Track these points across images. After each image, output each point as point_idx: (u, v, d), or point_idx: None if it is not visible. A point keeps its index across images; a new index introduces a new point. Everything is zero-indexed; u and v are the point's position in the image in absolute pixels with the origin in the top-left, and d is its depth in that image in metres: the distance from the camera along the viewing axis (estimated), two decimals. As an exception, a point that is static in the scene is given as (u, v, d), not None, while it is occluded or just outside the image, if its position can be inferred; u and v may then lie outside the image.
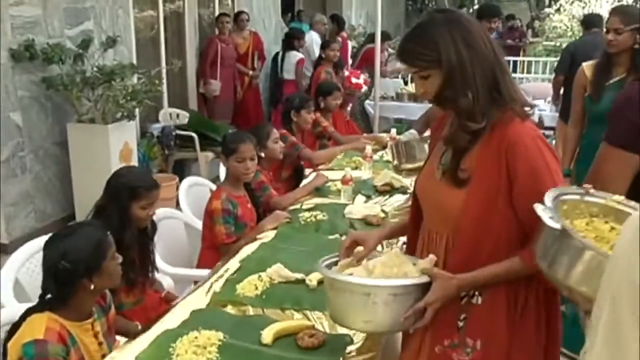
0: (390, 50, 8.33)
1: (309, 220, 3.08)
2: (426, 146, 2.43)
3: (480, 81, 1.54)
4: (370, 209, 3.18)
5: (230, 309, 2.19)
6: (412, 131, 4.04)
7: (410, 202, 1.90)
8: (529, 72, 11.40)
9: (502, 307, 1.60)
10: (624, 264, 0.90)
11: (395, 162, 3.88)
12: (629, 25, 3.16)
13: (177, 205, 3.62)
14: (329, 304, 1.74)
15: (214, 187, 3.63)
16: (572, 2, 13.31)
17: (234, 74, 7.39)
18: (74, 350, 1.86)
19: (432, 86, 1.59)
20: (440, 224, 1.67)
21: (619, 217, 1.39)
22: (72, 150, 4.92)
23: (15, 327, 1.86)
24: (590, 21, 5.77)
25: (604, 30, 3.46)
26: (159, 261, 2.80)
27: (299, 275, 2.38)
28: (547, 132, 5.45)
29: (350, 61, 8.24)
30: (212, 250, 2.98)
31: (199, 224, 3.20)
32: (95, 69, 4.90)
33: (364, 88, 6.43)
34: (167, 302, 2.57)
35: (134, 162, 5.16)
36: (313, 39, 8.32)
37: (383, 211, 3.19)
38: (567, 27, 12.80)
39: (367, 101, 6.98)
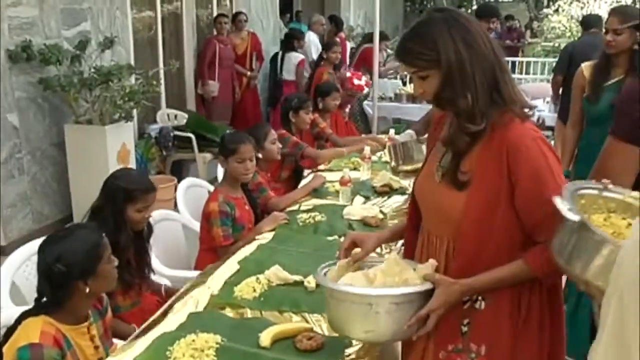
0: (389, 50, 8.32)
1: (307, 221, 3.07)
2: (424, 147, 2.41)
3: (480, 81, 1.52)
4: (368, 210, 3.17)
5: (228, 312, 2.17)
6: (409, 131, 4.03)
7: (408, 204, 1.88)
8: (527, 72, 11.40)
9: (506, 311, 1.58)
10: (629, 265, 0.90)
11: (393, 163, 3.87)
12: (635, 27, 3.15)
13: (175, 207, 3.60)
14: (329, 314, 1.72)
15: (212, 188, 3.61)
16: (571, 3, 13.33)
17: (232, 75, 7.38)
18: (70, 354, 1.84)
19: (431, 86, 1.57)
20: (440, 227, 1.65)
21: (637, 214, 1.37)
22: (70, 152, 4.90)
23: (10, 330, 1.84)
24: (589, 22, 5.77)
25: (603, 30, 3.45)
26: (156, 263, 2.78)
27: (298, 278, 2.37)
28: (546, 133, 5.44)
29: (347, 61, 8.23)
30: (210, 252, 2.97)
31: (196, 226, 3.18)
32: (92, 69, 4.89)
33: (366, 90, 6.44)
34: (167, 297, 2.57)
35: (132, 163, 5.14)
36: (311, 40, 8.32)
37: (382, 212, 3.18)
38: (566, 28, 12.81)
39: (366, 102, 6.98)
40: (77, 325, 1.92)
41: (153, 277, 2.71)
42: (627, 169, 1.70)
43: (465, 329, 1.60)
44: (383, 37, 7.60)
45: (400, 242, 2.14)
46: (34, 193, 4.80)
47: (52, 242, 1.92)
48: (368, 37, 7.90)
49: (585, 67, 3.39)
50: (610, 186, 1.46)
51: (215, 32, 7.23)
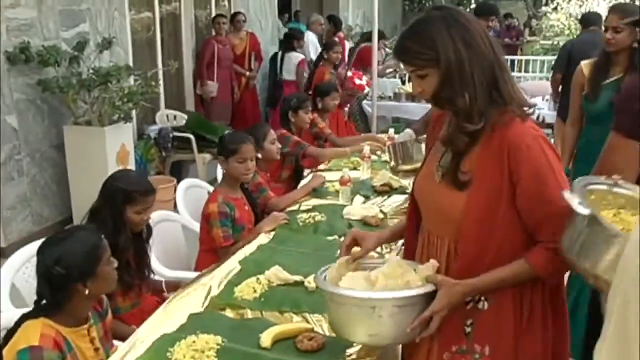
0: (387, 50, 8.32)
1: (307, 221, 3.06)
2: (423, 147, 2.41)
3: (479, 80, 1.50)
4: (368, 209, 3.16)
5: (228, 313, 2.17)
6: (408, 130, 4.02)
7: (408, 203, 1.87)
8: (526, 70, 11.40)
9: (509, 311, 1.57)
10: (631, 264, 0.89)
11: (392, 163, 3.86)
12: (634, 24, 3.14)
13: (175, 207, 3.60)
14: (330, 317, 1.70)
15: (211, 188, 3.61)
16: (570, 1, 13.31)
17: (231, 75, 7.37)
18: (70, 356, 1.83)
19: (430, 85, 1.55)
20: (441, 227, 1.64)
21: None
22: (69, 153, 4.89)
23: (10, 333, 1.84)
24: (588, 19, 5.76)
25: (603, 28, 3.44)
26: (156, 264, 2.78)
27: (298, 278, 2.36)
28: (546, 131, 5.44)
29: (346, 61, 8.23)
30: (210, 253, 2.96)
31: (196, 226, 3.18)
32: (91, 71, 4.88)
33: (367, 89, 6.44)
34: (169, 291, 2.59)
35: (131, 164, 5.14)
36: (309, 39, 8.32)
37: (382, 212, 3.17)
38: (565, 26, 12.80)
39: (365, 101, 6.98)
40: (77, 328, 1.91)
41: (152, 277, 2.71)
42: (630, 165, 1.70)
43: (468, 329, 1.60)
44: (381, 36, 7.59)
45: (401, 241, 2.14)
46: (33, 195, 4.80)
47: (51, 244, 1.92)
48: (366, 37, 7.90)
49: (585, 65, 3.37)
50: (620, 182, 1.45)
51: (213, 33, 7.23)
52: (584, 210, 1.28)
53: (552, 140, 4.54)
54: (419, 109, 6.23)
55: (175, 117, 6.19)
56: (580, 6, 12.82)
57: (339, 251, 1.85)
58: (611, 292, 0.95)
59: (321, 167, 4.18)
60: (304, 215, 3.12)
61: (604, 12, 4.27)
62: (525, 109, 1.56)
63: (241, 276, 2.43)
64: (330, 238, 2.85)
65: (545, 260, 1.51)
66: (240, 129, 5.05)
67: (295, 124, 4.26)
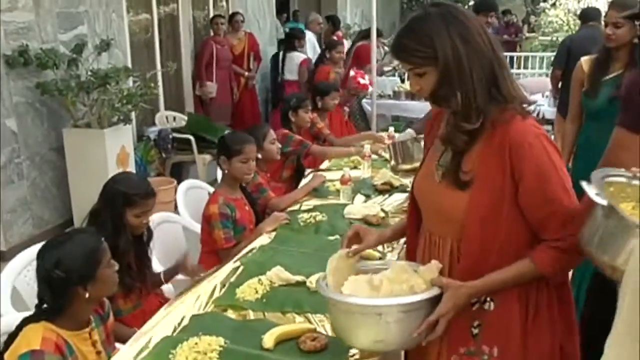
0: (386, 48, 8.30)
1: (308, 221, 3.06)
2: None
3: (478, 77, 1.48)
4: (369, 208, 3.15)
5: (230, 314, 2.16)
6: (410, 131, 4.02)
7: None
8: (525, 67, 11.41)
9: (515, 310, 1.56)
10: (636, 260, 0.89)
11: (393, 162, 3.86)
12: (628, 18, 3.13)
13: (175, 209, 3.59)
14: (334, 324, 1.67)
15: (212, 189, 3.60)
16: (568, -3, 13.33)
17: (230, 76, 7.36)
18: (72, 359, 1.83)
19: (428, 83, 1.53)
20: (443, 228, 1.62)
21: None
22: (69, 156, 4.89)
23: (11, 337, 1.83)
24: (587, 15, 5.75)
25: (602, 23, 3.42)
26: (157, 266, 2.77)
27: (300, 278, 2.36)
28: (546, 127, 5.43)
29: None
30: (212, 254, 2.95)
31: (197, 228, 3.17)
32: (89, 73, 4.87)
33: (370, 89, 6.44)
34: (166, 281, 2.65)
35: (131, 166, 5.13)
36: (308, 39, 8.30)
37: (383, 210, 3.16)
38: (563, 22, 12.80)
39: (365, 100, 6.97)
40: (79, 331, 1.90)
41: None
42: (636, 160, 1.68)
43: (475, 331, 1.58)
44: (378, 34, 7.57)
45: (402, 240, 2.13)
46: (33, 198, 4.79)
47: (51, 248, 1.91)
48: (361, 35, 7.89)
49: (585, 61, 3.35)
50: None
51: (212, 33, 7.22)
52: (601, 201, 1.27)
53: (553, 137, 4.54)
54: (419, 107, 6.23)
55: (174, 118, 6.19)
56: (579, 2, 12.83)
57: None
58: (622, 286, 0.94)
59: (322, 166, 4.17)
60: (305, 215, 3.11)
61: (602, 8, 4.27)
62: (525, 106, 1.55)
63: (243, 277, 2.42)
64: (331, 238, 2.84)
65: (550, 259, 1.50)
66: (240, 130, 5.04)
67: (296, 124, 4.25)
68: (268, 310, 2.17)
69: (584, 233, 1.37)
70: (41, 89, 4.64)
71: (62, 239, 1.95)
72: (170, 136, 5.98)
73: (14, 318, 2.03)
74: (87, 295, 1.87)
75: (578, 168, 3.26)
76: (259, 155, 3.27)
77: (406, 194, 3.33)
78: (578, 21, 6.48)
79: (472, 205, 1.52)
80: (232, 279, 2.43)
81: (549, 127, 5.57)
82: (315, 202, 3.39)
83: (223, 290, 2.34)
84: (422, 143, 3.29)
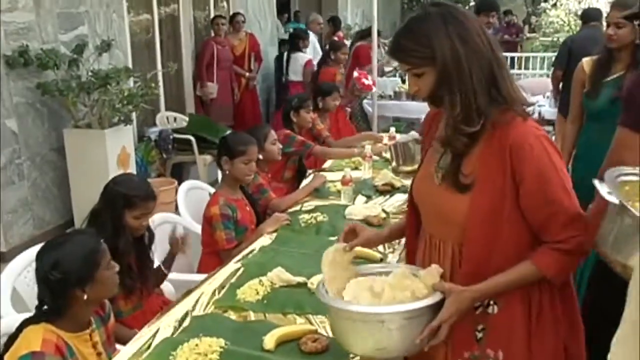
0: (386, 48, 8.30)
1: (309, 222, 3.05)
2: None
3: (477, 78, 1.47)
4: (371, 209, 3.15)
5: (231, 315, 2.16)
6: (413, 133, 4.02)
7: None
8: (526, 68, 11.39)
9: (519, 313, 1.55)
10: None
11: (394, 163, 3.85)
12: (630, 18, 3.12)
13: (176, 209, 3.59)
14: (335, 330, 1.65)
15: (212, 190, 3.59)
16: (569, -3, 13.33)
17: (230, 76, 7.36)
18: (73, 361, 1.83)
19: (426, 84, 1.52)
20: (443, 231, 1.61)
21: None
22: (70, 156, 4.88)
23: (11, 339, 1.82)
24: (589, 15, 5.74)
25: (604, 24, 3.41)
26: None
27: (301, 279, 2.35)
28: (547, 128, 5.42)
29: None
30: (213, 255, 2.95)
31: (198, 228, 3.17)
32: (90, 73, 4.87)
33: (374, 89, 6.44)
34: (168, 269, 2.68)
35: (132, 167, 5.13)
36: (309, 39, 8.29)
37: (384, 211, 3.16)
38: (564, 22, 12.79)
39: (366, 100, 6.97)
40: (79, 333, 1.90)
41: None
42: (638, 159, 1.67)
43: (480, 335, 1.57)
44: (377, 33, 7.57)
45: (404, 240, 2.12)
46: (34, 198, 4.79)
47: (50, 249, 1.90)
48: (359, 35, 7.89)
49: (586, 61, 3.34)
50: None
51: (212, 34, 7.21)
52: (614, 200, 1.26)
53: (553, 138, 4.54)
54: (420, 108, 6.22)
55: (175, 119, 6.18)
56: (580, 2, 12.82)
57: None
58: (630, 286, 0.94)
59: (323, 167, 4.17)
60: (306, 216, 3.11)
61: (603, 8, 4.26)
62: (524, 107, 1.54)
63: (243, 278, 2.42)
64: (332, 238, 2.82)
65: (552, 261, 1.49)
66: (240, 130, 5.04)
67: (298, 124, 4.25)
68: (269, 312, 2.16)
69: (599, 234, 1.35)
70: (42, 90, 4.63)
71: (61, 240, 1.94)
72: (171, 137, 5.97)
73: (14, 319, 2.03)
74: (85, 297, 1.86)
75: (578, 169, 3.25)
76: (260, 156, 3.26)
77: (407, 195, 3.33)
78: (579, 21, 6.48)
79: (473, 208, 1.50)
80: (233, 280, 2.43)
81: (550, 128, 5.56)
82: (316, 202, 3.38)
83: (224, 291, 2.34)
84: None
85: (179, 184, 4.06)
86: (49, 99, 4.77)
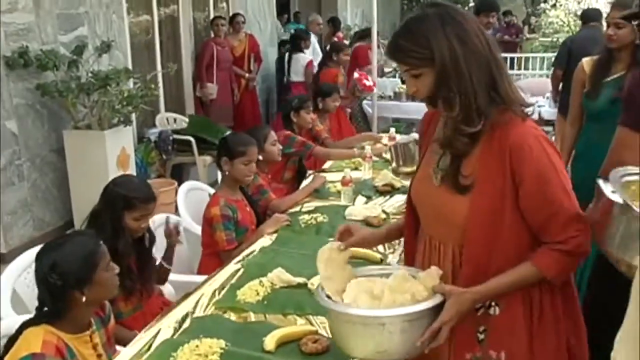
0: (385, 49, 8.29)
1: (309, 222, 3.05)
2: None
3: (476, 79, 1.46)
4: (371, 210, 3.15)
5: (231, 316, 2.16)
6: (414, 135, 4.01)
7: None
8: (526, 68, 11.38)
9: (520, 314, 1.55)
10: None
11: (394, 164, 3.85)
12: (630, 18, 3.11)
13: (176, 210, 3.59)
14: (334, 334, 1.64)
15: (212, 191, 3.59)
16: (568, -3, 13.33)
17: (230, 77, 7.35)
18: (73, 363, 1.82)
19: (424, 85, 1.51)
20: (443, 232, 1.60)
21: None
22: (69, 157, 4.88)
23: (11, 340, 1.82)
24: (588, 15, 5.75)
25: (604, 24, 3.41)
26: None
27: (301, 280, 2.35)
28: (547, 128, 5.43)
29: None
30: (214, 256, 2.95)
31: (198, 229, 3.16)
32: (90, 74, 4.86)
33: (375, 90, 6.45)
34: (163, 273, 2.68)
35: (132, 168, 5.13)
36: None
37: (384, 212, 3.16)
38: (564, 23, 12.80)
39: (365, 101, 6.97)
40: (80, 334, 1.90)
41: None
42: (638, 159, 1.67)
43: (481, 336, 1.57)
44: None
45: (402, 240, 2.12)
46: (34, 200, 4.78)
47: (48, 250, 1.89)
48: (358, 36, 7.88)
49: (586, 62, 3.34)
50: None
51: (212, 35, 7.21)
52: (618, 199, 1.26)
53: (553, 138, 4.54)
54: (420, 109, 6.18)
55: (175, 120, 6.18)
56: (579, 2, 12.83)
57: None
58: (633, 287, 0.94)
59: (322, 167, 4.17)
60: (306, 217, 3.11)
61: (603, 8, 4.27)
62: (523, 107, 1.53)
63: (243, 279, 2.42)
64: (332, 239, 2.82)
65: (552, 262, 1.49)
66: (240, 131, 5.04)
67: (298, 124, 4.25)
68: (269, 312, 2.16)
69: (605, 235, 1.35)
70: (41, 91, 4.63)
71: (60, 242, 1.93)
72: (171, 138, 5.97)
73: (14, 321, 2.02)
74: (84, 298, 1.86)
75: (578, 169, 3.24)
76: (260, 157, 3.26)
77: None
78: (579, 22, 6.48)
79: (473, 209, 1.50)
80: (233, 281, 2.43)
81: (549, 128, 5.56)
82: (316, 203, 3.38)
83: (224, 292, 2.34)
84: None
85: (179, 185, 4.06)
86: (49, 100, 4.77)
